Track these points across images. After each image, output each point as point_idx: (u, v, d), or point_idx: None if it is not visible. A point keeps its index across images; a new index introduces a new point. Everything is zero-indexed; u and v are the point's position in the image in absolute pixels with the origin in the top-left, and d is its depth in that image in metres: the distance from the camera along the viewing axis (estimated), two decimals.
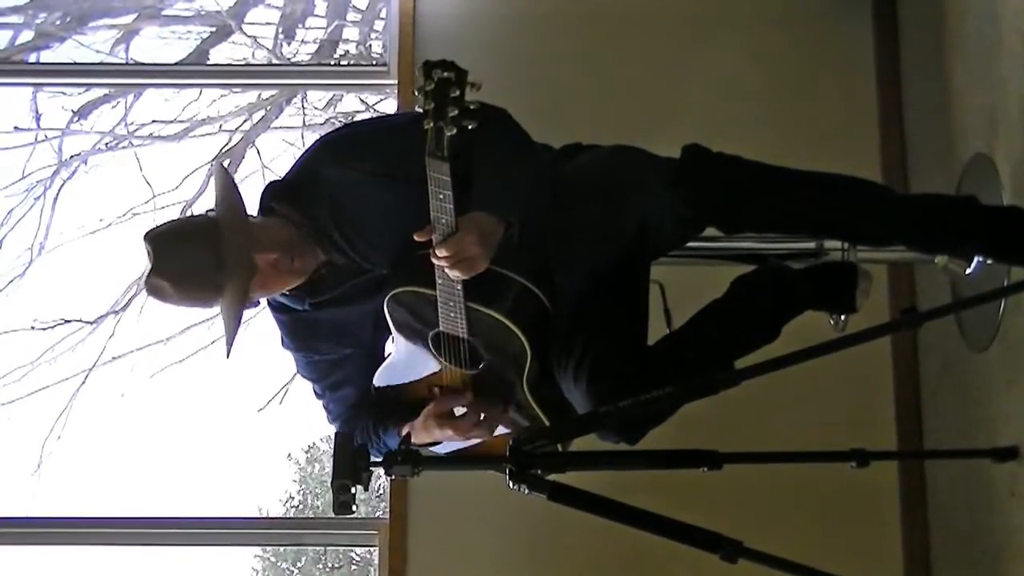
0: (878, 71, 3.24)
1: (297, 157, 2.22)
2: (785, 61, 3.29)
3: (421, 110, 1.77)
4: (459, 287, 1.97)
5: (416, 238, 1.90)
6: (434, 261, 1.91)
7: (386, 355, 2.28)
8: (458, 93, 1.75)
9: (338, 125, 2.36)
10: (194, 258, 2.03)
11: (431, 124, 1.77)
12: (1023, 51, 2.42)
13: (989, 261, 2.38)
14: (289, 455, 5.29)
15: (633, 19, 3.33)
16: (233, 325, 2.04)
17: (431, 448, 2.23)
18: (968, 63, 2.77)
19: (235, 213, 2.08)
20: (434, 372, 2.19)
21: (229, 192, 2.11)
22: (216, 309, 2.10)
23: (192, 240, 2.05)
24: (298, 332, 2.28)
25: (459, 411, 2.18)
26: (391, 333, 2.19)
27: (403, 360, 2.21)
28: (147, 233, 2.08)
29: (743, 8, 3.33)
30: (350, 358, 2.29)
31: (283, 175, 2.22)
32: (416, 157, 1.84)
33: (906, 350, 3.09)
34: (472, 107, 1.77)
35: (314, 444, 5.37)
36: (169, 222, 2.16)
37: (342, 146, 2.19)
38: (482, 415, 2.17)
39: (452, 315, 2.04)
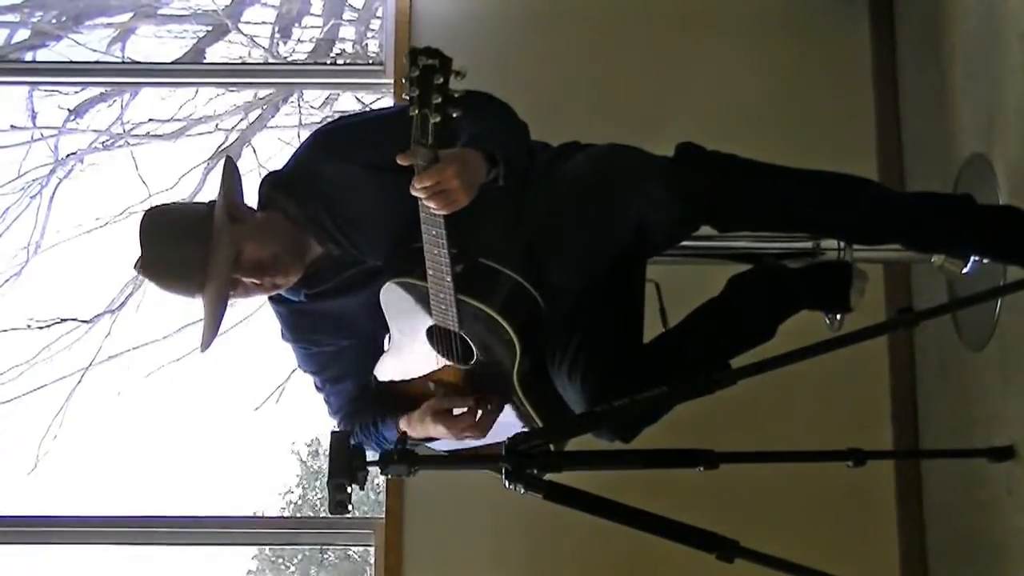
0: (875, 70, 3.24)
1: (293, 151, 2.23)
2: (783, 61, 3.30)
3: (407, 98, 1.76)
4: (449, 279, 1.96)
5: (399, 161, 1.83)
6: (413, 193, 1.85)
7: (385, 348, 2.28)
8: (442, 80, 1.73)
9: (332, 118, 2.34)
10: (179, 255, 2.04)
11: (416, 111, 1.75)
12: (1020, 51, 2.42)
13: (985, 260, 2.38)
14: (293, 443, 5.29)
15: (629, 19, 3.33)
16: (212, 324, 2.05)
17: (428, 446, 2.23)
18: (965, 63, 2.77)
19: (233, 210, 2.09)
20: (432, 366, 2.18)
21: (230, 187, 2.12)
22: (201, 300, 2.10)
23: (183, 236, 2.05)
24: (296, 324, 2.28)
25: (458, 411, 2.18)
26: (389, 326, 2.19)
27: (401, 353, 2.20)
28: (145, 216, 2.10)
29: (741, 8, 3.33)
30: (349, 350, 2.29)
31: (279, 168, 2.22)
32: (406, 148, 1.82)
33: (902, 350, 3.09)
34: (456, 95, 1.74)
35: (315, 440, 5.37)
36: (168, 209, 2.17)
37: (336, 139, 2.19)
38: (478, 417, 2.16)
39: (443, 307, 2.03)
